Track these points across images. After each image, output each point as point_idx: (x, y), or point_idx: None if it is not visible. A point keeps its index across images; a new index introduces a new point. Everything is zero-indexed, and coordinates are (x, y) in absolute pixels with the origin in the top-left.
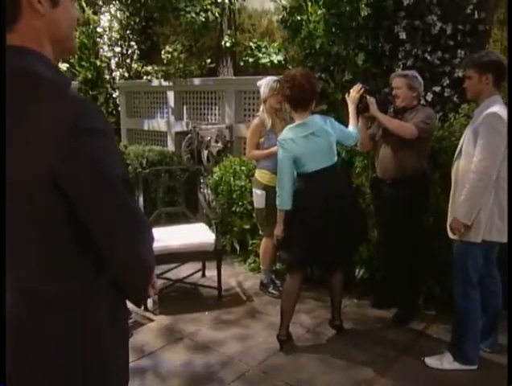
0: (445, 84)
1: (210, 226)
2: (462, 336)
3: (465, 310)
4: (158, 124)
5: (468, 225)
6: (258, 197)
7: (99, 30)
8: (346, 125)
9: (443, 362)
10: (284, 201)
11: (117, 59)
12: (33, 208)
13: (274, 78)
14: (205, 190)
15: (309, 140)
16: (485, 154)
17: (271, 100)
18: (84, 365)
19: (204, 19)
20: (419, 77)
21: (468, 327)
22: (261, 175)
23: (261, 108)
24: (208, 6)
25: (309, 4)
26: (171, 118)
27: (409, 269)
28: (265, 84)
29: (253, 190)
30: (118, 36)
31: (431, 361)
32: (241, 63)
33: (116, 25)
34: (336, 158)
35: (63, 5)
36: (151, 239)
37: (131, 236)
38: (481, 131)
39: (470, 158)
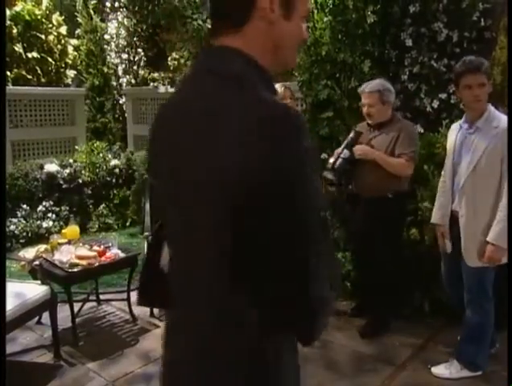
0: (451, 90)
1: None
2: (477, 347)
3: (481, 324)
4: None
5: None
6: None
7: (106, 37)
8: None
9: (452, 371)
10: None
11: (124, 65)
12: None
13: (279, 84)
14: None
15: None
16: None
17: None
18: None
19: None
20: (391, 87)
21: (484, 339)
22: None
23: None
24: None
25: (315, 11)
26: None
27: (384, 280)
28: None
29: None
30: (125, 43)
31: (437, 370)
32: None
33: (123, 32)
34: None
35: (295, 21)
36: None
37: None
38: (502, 148)
39: (492, 176)
